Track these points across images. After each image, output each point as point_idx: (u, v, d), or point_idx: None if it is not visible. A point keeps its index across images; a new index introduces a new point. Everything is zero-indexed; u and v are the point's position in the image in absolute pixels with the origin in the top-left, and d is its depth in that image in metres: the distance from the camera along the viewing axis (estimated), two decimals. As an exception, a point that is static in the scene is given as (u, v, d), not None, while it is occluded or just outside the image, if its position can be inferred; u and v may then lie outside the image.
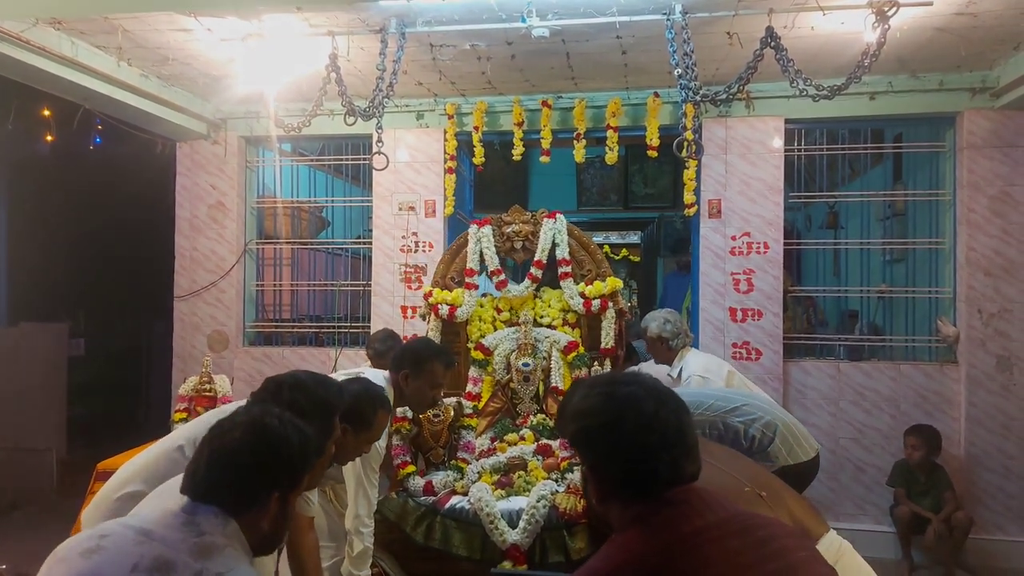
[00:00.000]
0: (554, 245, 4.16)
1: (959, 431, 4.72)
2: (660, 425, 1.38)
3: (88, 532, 1.47)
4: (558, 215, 4.25)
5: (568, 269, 4.13)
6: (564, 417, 1.52)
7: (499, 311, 4.25)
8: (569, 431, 1.48)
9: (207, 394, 4.49)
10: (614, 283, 4.07)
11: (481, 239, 4.24)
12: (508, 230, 4.26)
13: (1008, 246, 4.68)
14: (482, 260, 4.22)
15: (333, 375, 3.22)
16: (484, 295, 4.32)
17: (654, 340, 4.08)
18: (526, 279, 4.16)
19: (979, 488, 4.66)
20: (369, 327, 5.41)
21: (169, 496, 1.71)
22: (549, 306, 4.20)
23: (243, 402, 2.36)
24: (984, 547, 4.57)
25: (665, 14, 3.65)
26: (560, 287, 4.17)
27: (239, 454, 1.50)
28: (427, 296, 4.23)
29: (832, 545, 2.07)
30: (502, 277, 4.19)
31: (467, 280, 4.20)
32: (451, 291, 4.21)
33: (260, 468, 1.51)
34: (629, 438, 1.37)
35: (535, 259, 4.16)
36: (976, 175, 4.73)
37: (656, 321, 4.07)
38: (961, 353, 4.76)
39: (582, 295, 4.06)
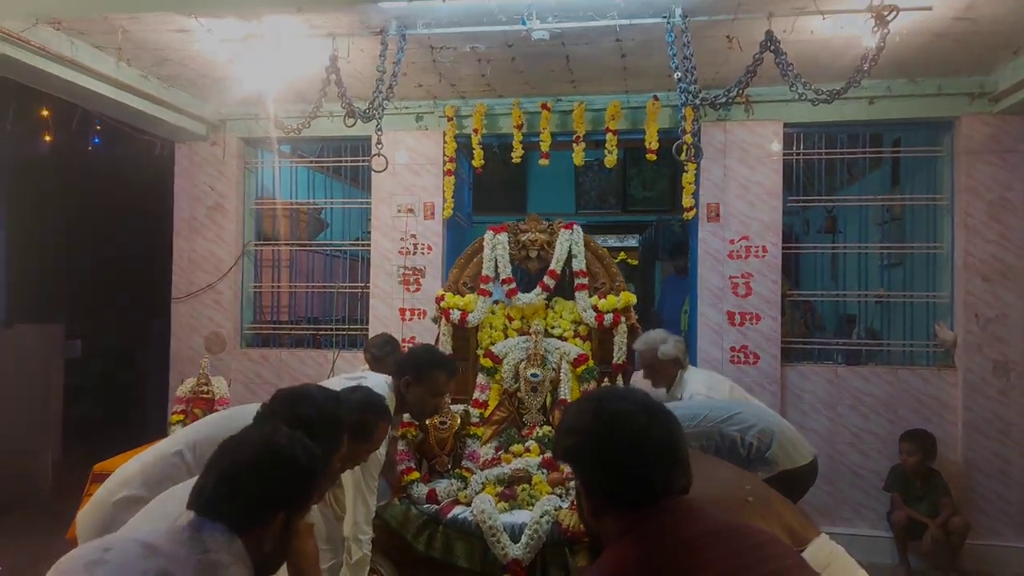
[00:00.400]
0: (570, 256, 4.15)
1: (956, 436, 4.72)
2: (650, 439, 1.40)
3: (93, 544, 1.47)
4: (575, 226, 4.25)
5: (584, 281, 4.12)
6: (558, 434, 1.55)
7: (510, 319, 4.25)
8: (562, 447, 1.51)
9: (204, 396, 4.48)
10: (628, 298, 4.07)
11: (496, 246, 4.23)
12: (524, 238, 4.25)
13: (1006, 251, 4.69)
14: (496, 267, 4.22)
15: (336, 379, 3.23)
16: (496, 302, 4.32)
17: (668, 363, 3.85)
18: (537, 288, 4.15)
19: (976, 493, 4.66)
20: (367, 329, 5.40)
21: (171, 507, 1.70)
22: (561, 317, 4.19)
23: (250, 407, 2.36)
24: (981, 552, 4.56)
25: (665, 17, 3.66)
26: (572, 298, 4.16)
27: (248, 472, 1.50)
28: (439, 300, 4.23)
29: (823, 549, 2.08)
30: (513, 285, 4.18)
31: (481, 287, 4.19)
32: (463, 296, 4.20)
33: (268, 487, 1.51)
34: (619, 452, 1.39)
35: (549, 269, 4.16)
36: (974, 180, 4.74)
37: (667, 344, 3.85)
38: (958, 358, 4.76)
39: (595, 308, 4.06)
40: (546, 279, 4.15)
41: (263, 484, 1.50)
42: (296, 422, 1.79)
